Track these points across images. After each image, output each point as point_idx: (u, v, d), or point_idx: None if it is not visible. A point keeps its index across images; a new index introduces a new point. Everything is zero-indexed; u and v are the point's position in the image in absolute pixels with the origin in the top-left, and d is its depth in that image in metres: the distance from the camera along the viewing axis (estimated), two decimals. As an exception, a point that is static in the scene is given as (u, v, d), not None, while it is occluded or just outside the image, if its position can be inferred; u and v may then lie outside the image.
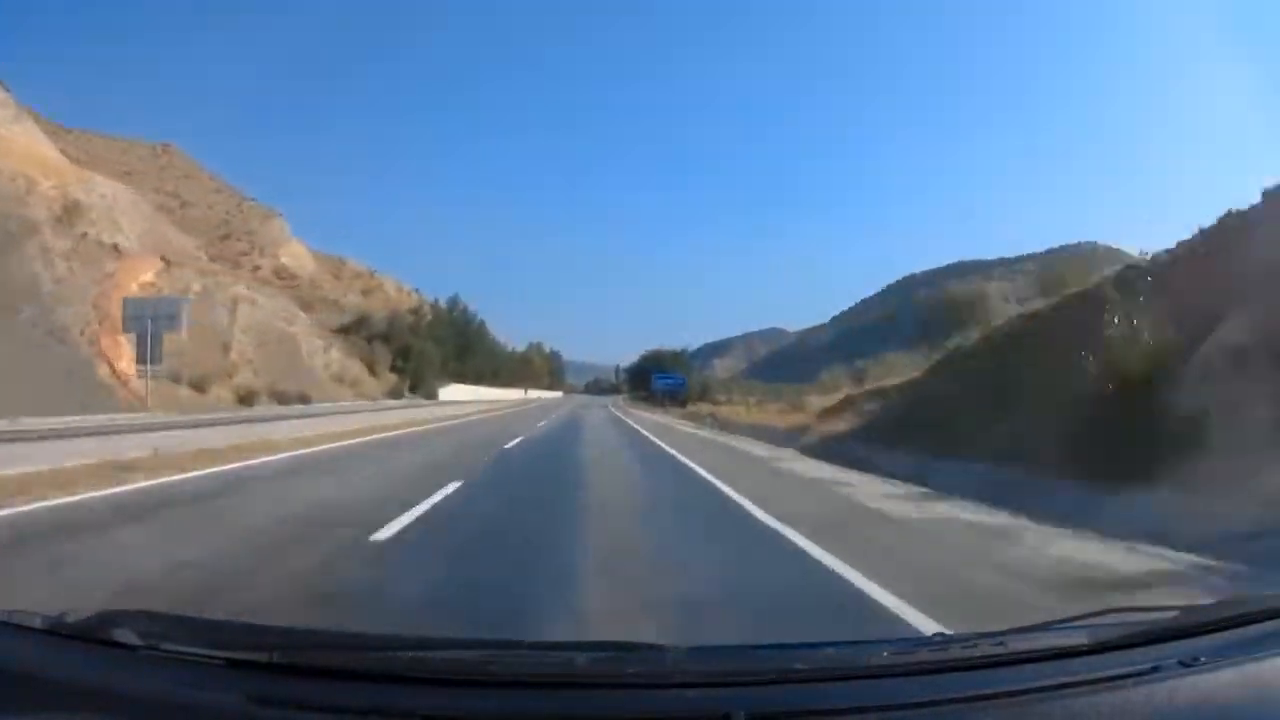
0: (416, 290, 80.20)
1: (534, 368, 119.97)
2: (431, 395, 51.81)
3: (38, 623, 1.18)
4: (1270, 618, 1.27)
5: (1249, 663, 1.14)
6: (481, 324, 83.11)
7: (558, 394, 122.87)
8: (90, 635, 1.15)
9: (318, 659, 1.13)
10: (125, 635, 1.12)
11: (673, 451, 15.34)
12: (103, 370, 24.81)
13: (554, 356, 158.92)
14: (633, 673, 1.15)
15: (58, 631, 1.17)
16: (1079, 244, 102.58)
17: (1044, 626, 1.35)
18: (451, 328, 69.06)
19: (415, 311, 65.07)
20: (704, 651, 1.30)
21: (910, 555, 5.55)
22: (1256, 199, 12.12)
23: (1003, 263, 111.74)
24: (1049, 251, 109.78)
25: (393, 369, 51.82)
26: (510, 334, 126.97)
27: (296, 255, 67.05)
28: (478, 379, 69.76)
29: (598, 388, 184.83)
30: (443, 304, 74.60)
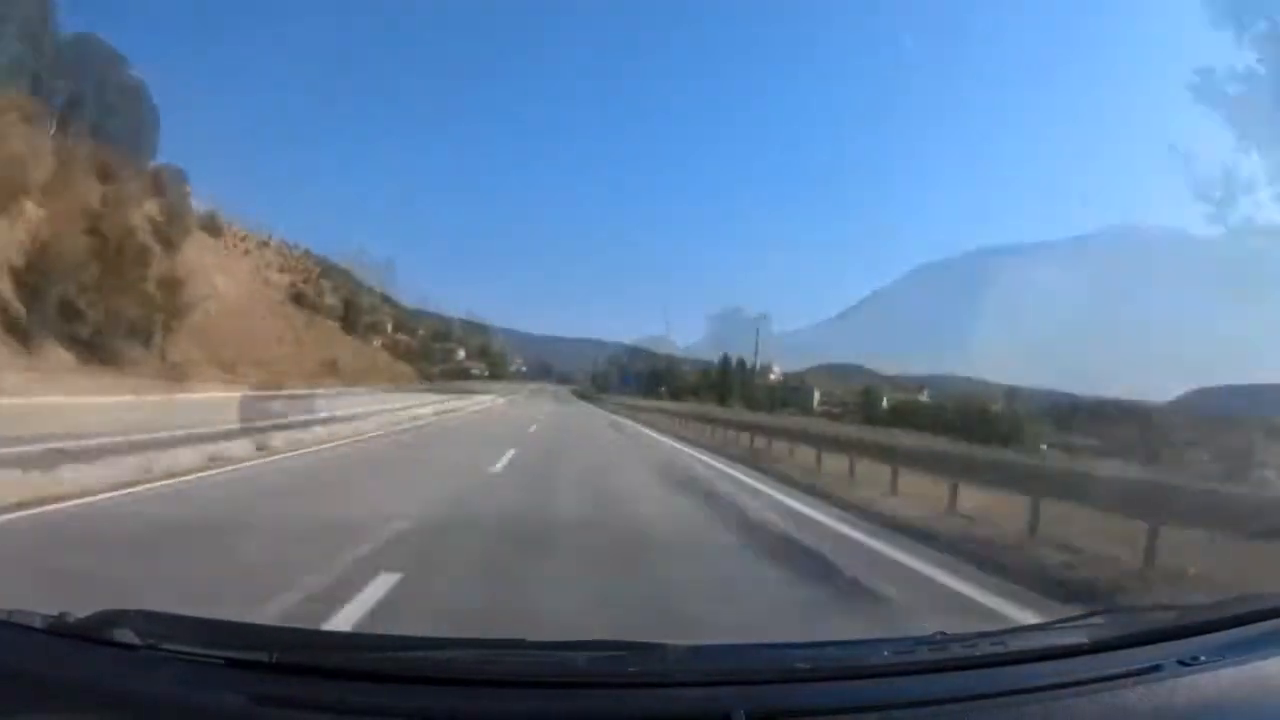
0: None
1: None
2: None
3: (37, 622, 1.23)
4: (1270, 617, 1.33)
5: (1249, 663, 1.20)
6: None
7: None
8: (90, 635, 1.19)
9: (318, 659, 1.19)
10: (125, 635, 1.17)
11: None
12: None
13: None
14: (633, 672, 1.21)
15: (57, 631, 1.21)
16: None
17: (1044, 626, 1.41)
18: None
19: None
20: (704, 651, 1.36)
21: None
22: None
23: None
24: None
25: None
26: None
27: None
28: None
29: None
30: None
